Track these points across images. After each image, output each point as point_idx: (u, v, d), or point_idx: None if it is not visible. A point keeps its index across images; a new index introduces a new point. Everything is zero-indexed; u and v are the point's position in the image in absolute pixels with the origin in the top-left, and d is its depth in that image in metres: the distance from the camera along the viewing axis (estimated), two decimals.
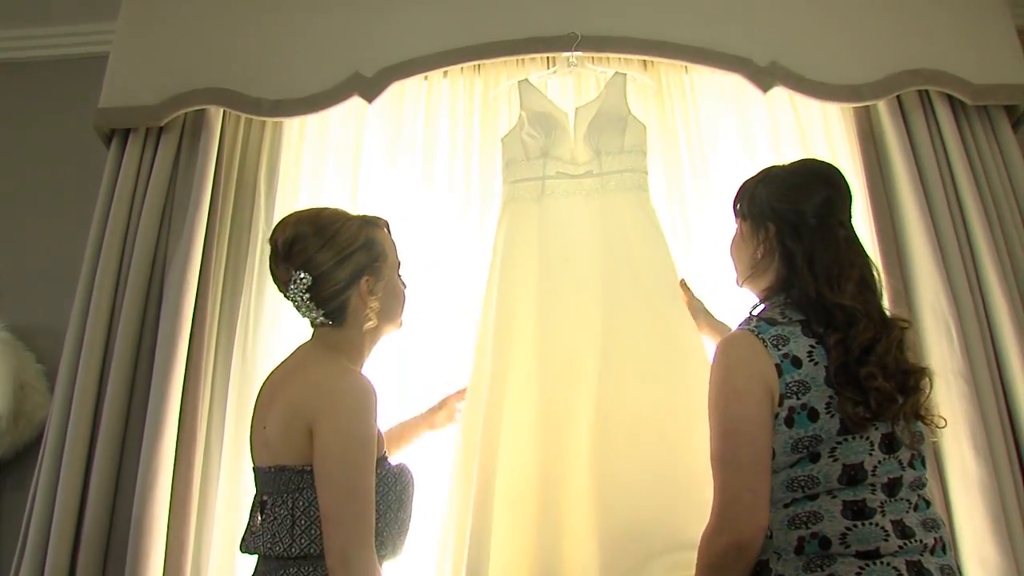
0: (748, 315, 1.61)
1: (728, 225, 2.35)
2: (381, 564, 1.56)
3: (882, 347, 1.49)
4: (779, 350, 1.48)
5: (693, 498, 1.85)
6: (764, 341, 1.49)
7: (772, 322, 1.52)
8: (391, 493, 1.59)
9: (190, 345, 2.29)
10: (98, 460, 2.17)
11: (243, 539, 1.64)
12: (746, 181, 1.74)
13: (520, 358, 2.07)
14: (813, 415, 1.45)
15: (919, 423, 1.53)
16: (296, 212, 1.75)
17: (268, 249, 2.36)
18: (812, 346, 1.49)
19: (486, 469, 1.94)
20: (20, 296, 2.70)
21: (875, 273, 1.59)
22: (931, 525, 1.45)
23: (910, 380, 1.51)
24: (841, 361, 1.47)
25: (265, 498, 1.60)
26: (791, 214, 1.60)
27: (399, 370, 2.29)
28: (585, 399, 2.00)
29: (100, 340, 2.28)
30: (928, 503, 1.49)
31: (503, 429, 1.99)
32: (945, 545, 1.46)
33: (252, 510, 1.65)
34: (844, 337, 1.48)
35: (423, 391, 2.24)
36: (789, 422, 1.46)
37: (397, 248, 1.81)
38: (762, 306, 1.62)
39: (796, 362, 1.47)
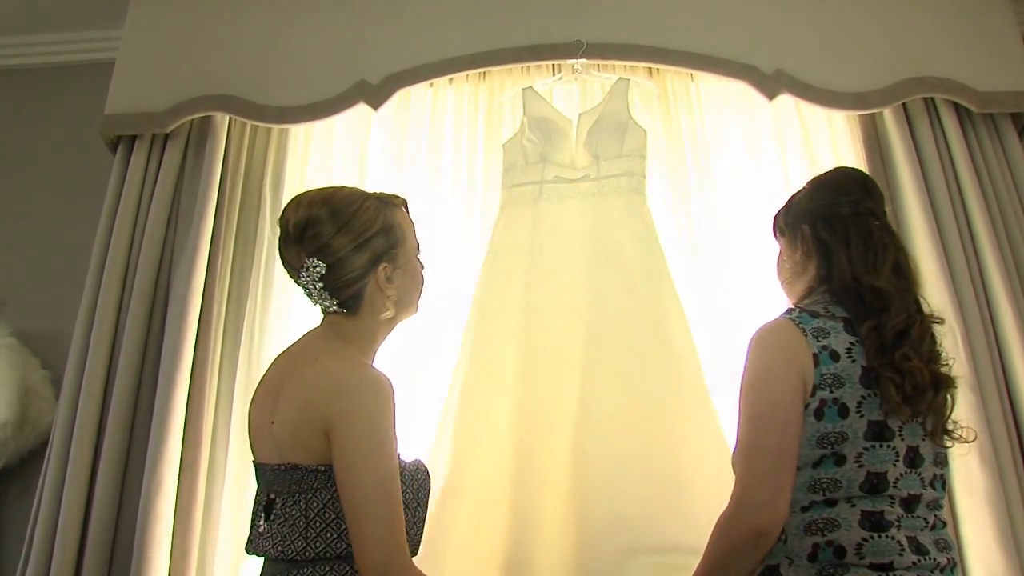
0: (792, 306, 1.61)
1: (732, 231, 2.42)
2: None
3: (916, 333, 1.49)
4: (819, 341, 1.48)
5: (677, 501, 1.86)
6: (804, 331, 1.49)
7: (814, 314, 1.52)
8: (408, 492, 1.51)
9: (195, 351, 2.29)
10: (103, 466, 2.17)
11: (249, 540, 1.54)
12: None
13: (503, 358, 2.07)
14: (843, 411, 1.45)
15: (945, 439, 1.53)
16: (309, 191, 1.62)
17: (274, 256, 2.42)
18: (852, 343, 1.49)
19: (457, 468, 1.96)
20: (26, 302, 2.70)
21: (910, 262, 1.59)
22: (943, 546, 1.45)
23: (942, 377, 1.51)
24: (878, 344, 1.47)
25: (273, 496, 1.50)
26: (824, 209, 1.61)
27: (401, 378, 2.28)
28: (569, 399, 2.00)
29: (105, 346, 2.29)
30: (943, 524, 1.49)
31: (482, 428, 2.00)
32: (955, 567, 1.46)
33: (255, 508, 1.55)
34: (877, 323, 1.48)
35: (426, 397, 2.24)
36: (819, 414, 1.45)
37: (416, 229, 1.69)
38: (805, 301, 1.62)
39: (834, 355, 1.47)
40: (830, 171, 1.73)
